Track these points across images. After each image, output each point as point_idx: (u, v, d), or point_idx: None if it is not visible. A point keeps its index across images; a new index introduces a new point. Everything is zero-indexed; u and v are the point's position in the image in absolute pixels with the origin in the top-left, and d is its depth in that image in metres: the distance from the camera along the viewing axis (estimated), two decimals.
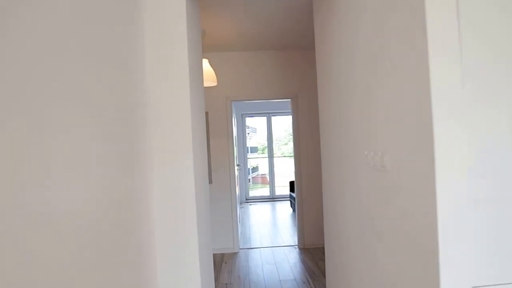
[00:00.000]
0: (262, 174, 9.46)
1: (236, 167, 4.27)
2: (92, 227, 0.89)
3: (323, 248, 3.80)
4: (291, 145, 9.27)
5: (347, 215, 1.74)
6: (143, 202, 1.39)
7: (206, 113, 3.71)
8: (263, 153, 8.99)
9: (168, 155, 1.54)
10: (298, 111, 3.85)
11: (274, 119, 7.72)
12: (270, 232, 4.64)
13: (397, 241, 1.15)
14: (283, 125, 8.18)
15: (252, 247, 3.94)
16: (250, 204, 7.13)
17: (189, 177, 1.55)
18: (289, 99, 3.90)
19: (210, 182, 3.72)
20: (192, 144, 1.58)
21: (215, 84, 3.00)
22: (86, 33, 0.91)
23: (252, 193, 8.00)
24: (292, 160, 8.86)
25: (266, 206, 6.96)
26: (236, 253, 3.75)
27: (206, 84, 2.97)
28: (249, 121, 7.97)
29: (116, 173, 1.10)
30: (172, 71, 1.55)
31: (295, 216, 5.69)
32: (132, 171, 1.28)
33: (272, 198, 7.65)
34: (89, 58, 0.93)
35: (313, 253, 3.63)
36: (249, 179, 8.81)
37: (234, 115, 4.44)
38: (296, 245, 3.90)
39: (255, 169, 9.53)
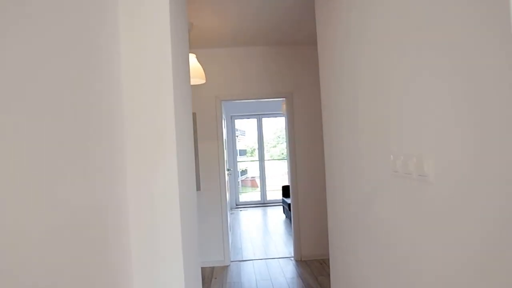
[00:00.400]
0: (251, 177, 9.44)
1: (226, 172, 3.96)
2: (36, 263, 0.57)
3: (323, 260, 3.54)
4: (280, 147, 9.08)
5: (360, 236, 1.46)
6: (115, 215, 1.08)
7: (194, 114, 3.40)
8: (251, 155, 8.75)
9: (148, 160, 1.26)
10: (294, 111, 3.58)
11: (265, 120, 7.45)
12: (263, 241, 4.34)
13: None
14: (272, 127, 7.92)
15: (244, 259, 3.63)
16: (240, 210, 6.81)
17: (173, 184, 1.28)
18: (284, 98, 3.63)
19: (198, 189, 3.40)
20: (176, 147, 1.29)
21: (203, 81, 2.69)
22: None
23: (243, 197, 7.69)
24: (282, 163, 8.79)
25: (258, 212, 6.66)
26: (227, 266, 3.43)
27: (194, 81, 2.66)
28: (238, 123, 7.67)
29: (74, 182, 0.79)
30: (152, 66, 1.28)
31: (288, 222, 5.42)
32: (101, 179, 0.97)
33: (263, 203, 7.36)
34: (42, 47, 0.62)
35: (311, 266, 3.34)
36: (239, 182, 8.60)
37: (223, 117, 4.14)
38: (292, 257, 3.61)
39: (243, 172, 9.41)
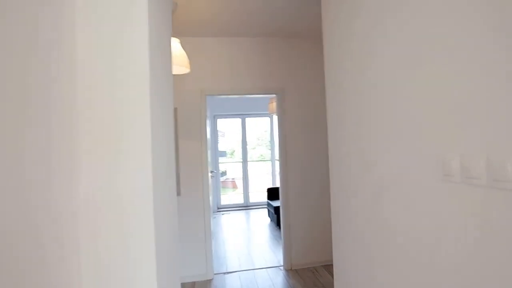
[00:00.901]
0: (232, 179, 9.38)
1: (209, 174, 3.63)
2: None
3: (314, 269, 3.27)
4: (259, 150, 8.86)
5: (382, 249, 1.19)
6: (56, 224, 0.77)
7: (175, 110, 3.05)
8: (231, 157, 8.53)
9: (111, 158, 0.94)
10: (285, 108, 3.31)
11: (249, 120, 7.16)
12: (249, 249, 4.03)
13: None
14: (254, 128, 7.64)
15: (229, 270, 3.30)
16: (222, 214, 6.47)
17: (145, 188, 1.01)
18: (274, 95, 3.35)
19: (178, 193, 3.05)
20: (152, 144, 0.98)
21: (187, 70, 2.36)
22: None
23: (224, 200, 7.34)
24: (261, 165, 8.57)
25: (241, 215, 6.35)
26: (210, 280, 3.09)
27: (177, 70, 2.33)
28: (221, 123, 7.33)
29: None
30: (122, 47, 0.98)
31: (274, 227, 5.15)
32: (37, 177, 0.65)
33: (246, 206, 7.06)
34: None
35: (303, 276, 3.08)
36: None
37: (207, 113, 3.80)
38: (281, 266, 3.33)
39: (223, 173, 9.39)
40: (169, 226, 1.32)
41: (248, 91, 3.25)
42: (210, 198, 3.70)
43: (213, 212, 6.56)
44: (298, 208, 3.30)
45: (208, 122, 4.04)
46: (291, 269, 3.23)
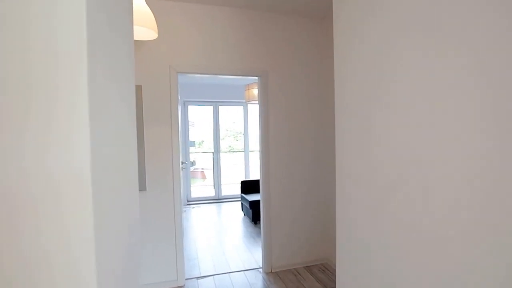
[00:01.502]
0: (201, 169, 9.12)
1: (180, 166, 3.18)
2: None
3: (296, 271, 2.96)
4: (228, 141, 8.48)
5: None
6: None
7: (139, 87, 2.55)
8: (199, 147, 8.14)
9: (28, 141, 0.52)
10: (268, 93, 2.93)
11: (222, 109, 6.71)
12: (224, 248, 3.66)
13: None
14: (226, 118, 7.21)
15: (202, 275, 2.91)
16: (192, 207, 6.02)
17: (83, 190, 0.70)
18: (256, 77, 2.95)
19: (143, 188, 2.59)
20: (90, 131, 0.59)
21: (155, 35, 1.89)
22: None
23: (195, 192, 6.88)
24: (234, 157, 8.20)
25: (212, 209, 5.94)
26: (181, 287, 2.69)
27: (140, 34, 1.86)
28: (192, 110, 6.80)
29: None
30: None
31: (248, 221, 4.82)
32: None
33: (218, 199, 6.67)
34: None
35: (284, 279, 2.77)
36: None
37: (179, 97, 3.32)
38: (260, 268, 3.01)
39: (192, 163, 9.20)
40: (123, 223, 0.92)
41: (226, 71, 2.82)
42: (181, 191, 3.27)
43: (183, 205, 6.10)
44: (280, 205, 2.97)
45: (180, 106, 3.56)
46: (271, 272, 2.92)
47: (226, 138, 8.50)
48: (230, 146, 8.33)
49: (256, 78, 2.98)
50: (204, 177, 8.08)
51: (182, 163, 3.47)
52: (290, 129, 3.00)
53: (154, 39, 2.58)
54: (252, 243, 3.78)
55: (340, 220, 1.49)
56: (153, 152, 2.63)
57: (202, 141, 7.69)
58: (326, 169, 3.11)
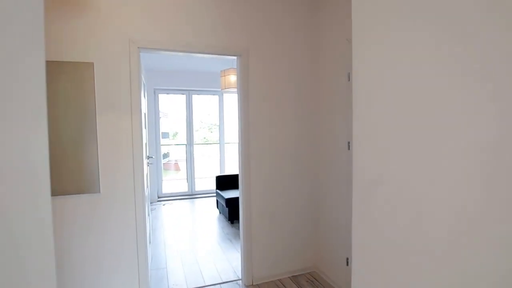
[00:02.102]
0: (174, 160, 8.52)
1: (145, 161, 2.71)
2: None
3: (280, 283, 2.58)
4: (202, 132, 8.01)
5: None
6: None
7: (88, 66, 2.04)
8: (173, 139, 7.67)
9: None
10: (249, 75, 2.52)
11: (195, 98, 6.20)
12: (198, 254, 3.24)
13: None
14: (202, 107, 6.70)
15: None
16: (163, 204, 5.52)
17: None
18: (234, 56, 2.52)
19: (96, 190, 2.10)
20: None
21: None
22: None
23: (166, 187, 6.36)
24: (208, 149, 7.72)
25: (185, 205, 5.49)
26: None
27: None
28: (163, 99, 6.22)
29: None
30: None
31: (224, 220, 4.41)
32: None
33: (191, 195, 6.21)
34: None
35: None
36: (161, 168, 7.58)
37: (143, 82, 2.82)
38: (239, 280, 2.63)
39: (165, 155, 8.77)
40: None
41: (199, 49, 2.36)
42: (147, 190, 2.80)
43: (152, 203, 5.57)
44: (262, 205, 2.60)
45: (145, 95, 3.06)
46: (252, 285, 2.55)
47: (201, 130, 8.03)
48: (204, 138, 7.92)
49: (235, 58, 2.54)
50: (178, 169, 7.68)
51: (149, 157, 2.99)
52: (274, 117, 2.62)
53: (110, 6, 2.06)
54: (229, 247, 3.40)
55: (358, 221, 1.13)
56: (108, 146, 2.14)
57: (177, 133, 7.19)
58: (317, 163, 2.77)
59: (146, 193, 2.72)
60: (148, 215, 2.95)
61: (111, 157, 2.14)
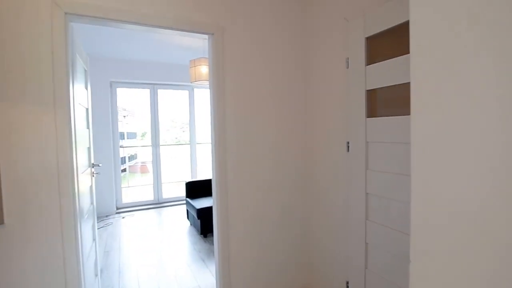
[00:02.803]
0: (142, 162, 8.06)
1: (91, 171, 2.05)
2: None
3: None
4: (174, 132, 7.31)
5: None
6: None
7: None
8: (142, 139, 6.96)
9: None
10: (224, 60, 1.94)
11: (161, 93, 5.50)
12: (161, 282, 2.61)
13: None
14: (168, 104, 6.01)
15: None
16: (123, 217, 4.77)
17: None
18: (206, 35, 1.93)
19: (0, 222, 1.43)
20: None
21: None
22: None
23: (127, 197, 5.60)
24: (177, 150, 6.99)
25: (150, 216, 4.78)
26: None
27: None
28: (122, 93, 5.44)
29: None
30: None
31: (195, 234, 3.76)
32: None
33: (158, 203, 5.49)
34: None
35: None
36: (125, 169, 6.81)
37: (84, 68, 2.14)
38: None
39: (132, 157, 8.10)
40: None
41: (159, 22, 1.75)
42: (89, 208, 2.15)
43: (109, 216, 4.80)
44: (241, 218, 2.04)
45: (88, 86, 2.38)
46: None
47: (172, 129, 7.35)
48: (176, 139, 7.25)
49: (206, 37, 1.95)
50: (146, 171, 7.20)
51: (94, 165, 2.31)
52: (255, 112, 2.07)
53: None
54: (201, 269, 2.80)
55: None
56: (14, 153, 1.47)
57: (145, 133, 6.45)
58: (310, 165, 2.25)
59: (87, 212, 2.06)
60: (94, 239, 2.28)
61: (22, 169, 1.47)
